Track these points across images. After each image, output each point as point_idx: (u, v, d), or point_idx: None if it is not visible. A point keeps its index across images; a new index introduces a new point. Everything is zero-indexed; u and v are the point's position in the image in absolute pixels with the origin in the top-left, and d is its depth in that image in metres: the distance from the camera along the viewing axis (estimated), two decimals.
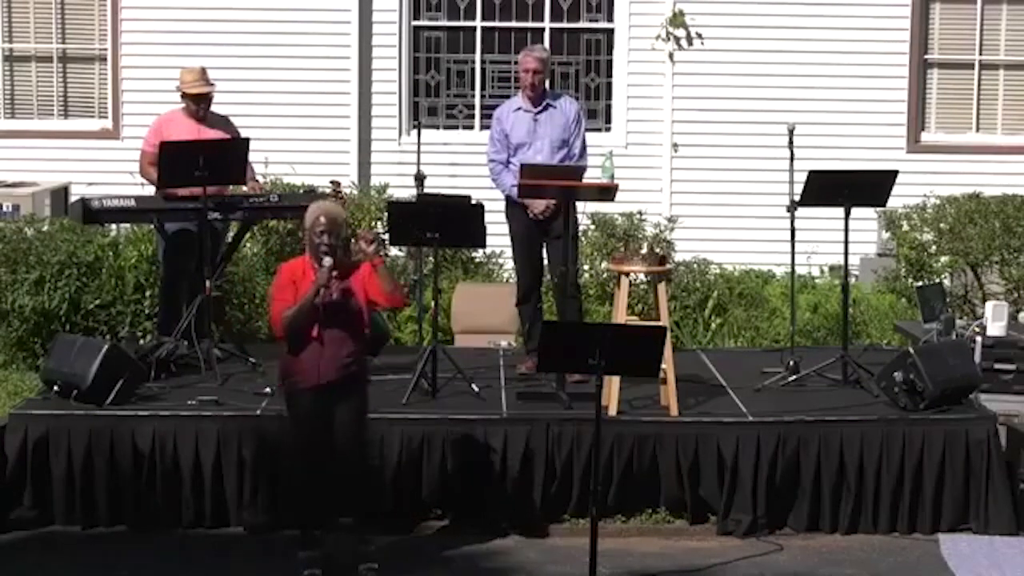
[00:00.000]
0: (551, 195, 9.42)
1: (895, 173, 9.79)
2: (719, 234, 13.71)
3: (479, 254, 12.77)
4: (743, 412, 8.95)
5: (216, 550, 8.40)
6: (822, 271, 13.54)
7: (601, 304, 11.88)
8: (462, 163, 13.14)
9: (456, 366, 9.30)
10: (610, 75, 14.41)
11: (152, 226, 10.29)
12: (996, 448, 8.80)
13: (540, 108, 9.75)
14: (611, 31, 14.37)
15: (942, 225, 12.73)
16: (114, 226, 11.41)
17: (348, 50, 14.14)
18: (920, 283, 11.99)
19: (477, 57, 14.41)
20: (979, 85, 14.50)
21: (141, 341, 9.94)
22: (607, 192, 9.22)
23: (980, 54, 14.47)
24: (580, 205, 9.51)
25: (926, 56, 14.41)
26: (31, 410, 8.82)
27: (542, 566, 8.21)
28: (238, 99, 12.40)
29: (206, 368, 9.47)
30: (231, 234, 10.44)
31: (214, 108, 10.12)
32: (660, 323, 8.58)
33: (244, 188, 10.11)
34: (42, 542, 8.47)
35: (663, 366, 8.38)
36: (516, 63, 11.70)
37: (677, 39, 14.21)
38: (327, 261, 7.58)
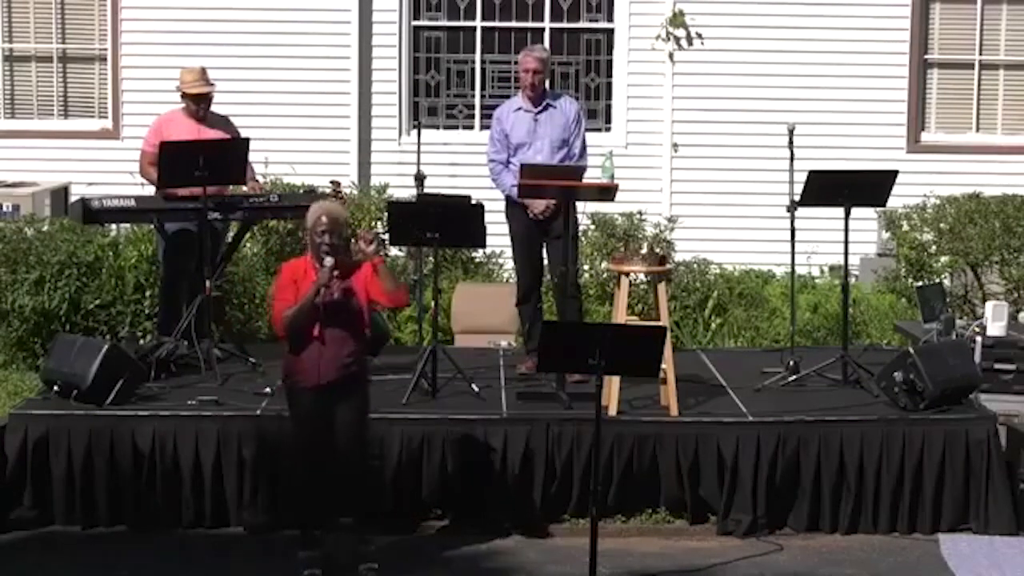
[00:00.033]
0: (551, 195, 9.42)
1: (895, 173, 9.80)
2: (719, 234, 13.71)
3: (479, 254, 12.77)
4: (743, 412, 8.95)
5: (216, 550, 8.40)
6: (822, 271, 13.54)
7: (601, 304, 11.88)
8: (462, 163, 13.14)
9: (456, 366, 9.30)
10: (610, 75, 14.41)
11: (152, 226, 10.29)
12: (996, 448, 8.80)
13: (540, 108, 9.75)
14: (611, 31, 14.37)
15: (942, 225, 12.73)
16: (114, 226, 11.41)
17: (348, 50, 14.14)
18: (920, 283, 11.99)
19: (477, 57, 14.42)
20: (979, 85, 14.50)
21: (141, 341, 9.94)
22: (607, 192, 9.22)
23: (980, 54, 14.47)
24: (580, 205, 9.51)
25: (926, 56, 14.41)
26: (31, 410, 8.82)
27: (542, 566, 8.21)
28: (238, 99, 12.40)
29: (206, 368, 9.47)
30: (231, 234, 10.44)
31: (214, 108, 10.12)
32: (660, 323, 8.58)
33: (244, 188, 10.11)
34: (42, 542, 8.47)
35: (663, 366, 8.38)
36: (516, 63, 11.70)
37: (677, 39, 14.21)
38: (328, 261, 7.59)
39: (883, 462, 8.75)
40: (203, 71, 10.04)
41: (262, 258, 12.10)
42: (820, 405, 9.05)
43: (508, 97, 11.03)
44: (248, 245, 11.90)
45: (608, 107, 14.44)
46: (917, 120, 14.39)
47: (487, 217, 9.32)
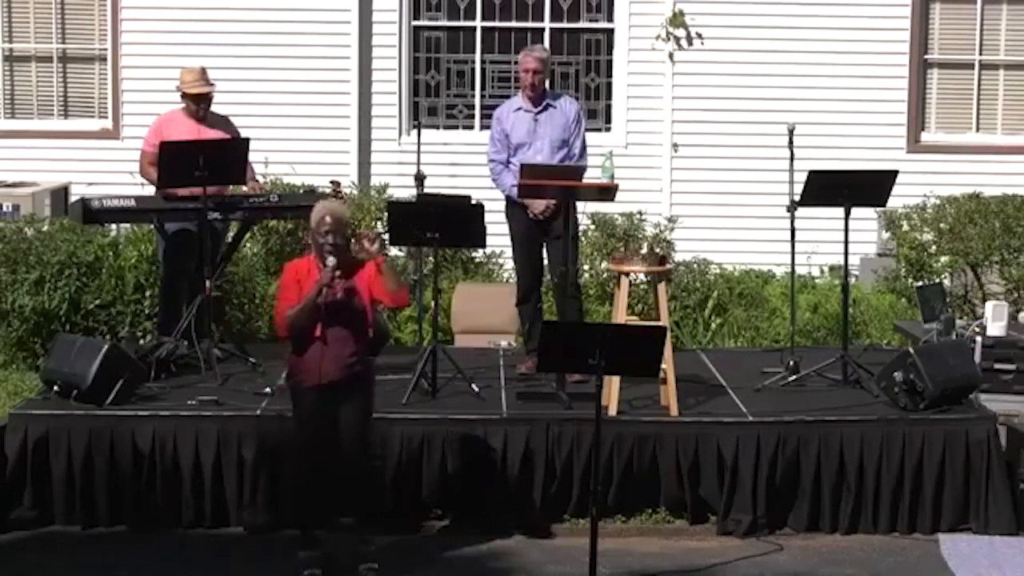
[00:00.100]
0: (551, 195, 9.42)
1: (895, 173, 9.80)
2: (719, 234, 13.71)
3: (479, 254, 12.77)
4: (743, 412, 8.95)
5: (216, 550, 8.40)
6: (822, 271, 13.54)
7: (601, 304, 11.88)
8: (462, 163, 13.14)
9: (456, 366, 9.30)
10: (610, 75, 14.41)
11: (152, 226, 10.29)
12: (996, 448, 8.80)
13: (540, 108, 9.75)
14: (611, 31, 14.37)
15: (942, 225, 12.73)
16: (114, 226, 11.41)
17: (348, 50, 14.14)
18: (920, 283, 11.99)
19: (477, 57, 14.42)
20: (979, 85, 14.50)
21: (141, 341, 9.94)
22: (607, 192, 9.22)
23: (980, 54, 14.47)
24: (580, 205, 9.51)
25: (926, 56, 14.41)
26: (31, 410, 8.82)
27: (542, 566, 8.21)
28: (238, 99, 12.40)
29: (206, 368, 9.47)
30: (231, 234, 10.44)
31: (214, 108, 10.12)
32: (660, 323, 8.58)
33: (244, 188, 10.11)
34: (42, 542, 8.47)
35: (663, 366, 8.38)
36: (516, 63, 11.70)
37: (677, 39, 14.21)
38: (331, 261, 7.60)
39: (883, 462, 8.75)
40: (203, 71, 10.04)
41: (262, 258, 12.11)
42: (820, 405, 9.05)
43: (508, 97, 11.03)
44: (248, 245, 11.90)
45: (608, 107, 14.44)
46: (917, 120, 14.39)
47: (487, 217, 9.32)
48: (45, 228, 11.62)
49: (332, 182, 10.22)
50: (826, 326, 11.98)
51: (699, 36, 14.21)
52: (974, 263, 12.55)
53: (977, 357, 9.78)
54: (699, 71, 14.18)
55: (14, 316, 11.00)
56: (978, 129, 14.54)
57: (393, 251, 11.96)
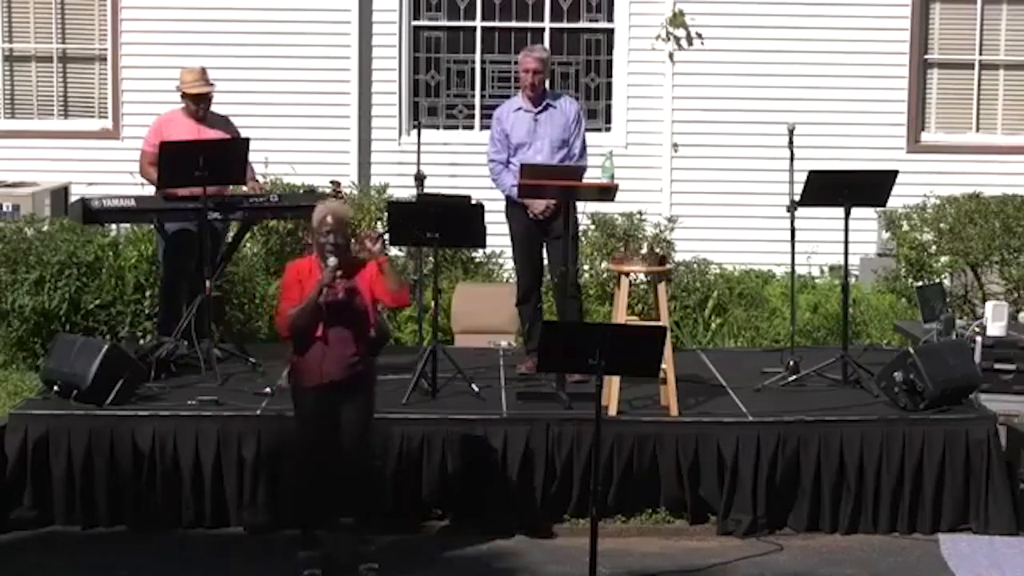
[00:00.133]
0: (551, 195, 9.42)
1: (895, 173, 9.80)
2: (719, 234, 13.71)
3: (479, 254, 12.77)
4: (743, 412, 8.95)
5: (216, 550, 8.40)
6: (822, 271, 13.54)
7: (601, 304, 11.87)
8: (462, 163, 13.14)
9: (456, 366, 9.30)
10: (610, 75, 14.41)
11: (152, 226, 10.29)
12: (996, 448, 8.80)
13: (540, 108, 9.75)
14: (611, 31, 14.37)
15: (942, 225, 12.73)
16: (114, 226, 11.41)
17: (348, 50, 14.14)
18: (920, 283, 11.99)
19: (477, 57, 14.42)
20: (979, 85, 14.50)
21: (141, 341, 9.94)
22: (607, 192, 9.22)
23: (980, 54, 14.47)
24: (580, 205, 9.51)
25: (926, 56, 14.41)
26: (31, 410, 8.81)
27: (542, 566, 8.21)
28: (238, 99, 12.40)
29: (206, 368, 9.47)
30: (231, 234, 10.44)
31: (214, 108, 10.12)
32: (660, 323, 8.58)
33: (244, 188, 10.11)
34: (42, 542, 8.47)
35: (663, 366, 8.38)
36: (516, 63, 11.70)
37: (677, 39, 14.21)
38: (332, 261, 7.61)
39: (883, 462, 8.74)
40: (203, 71, 10.04)
41: (262, 258, 12.11)
42: (820, 405, 9.05)
43: (508, 97, 11.03)
44: (248, 245, 11.90)
45: (608, 107, 14.44)
46: (917, 120, 14.39)
47: (487, 217, 9.31)
48: (45, 228, 11.62)
49: (332, 182, 10.22)
50: (826, 326, 11.98)
51: (699, 36, 14.21)
52: (974, 263, 12.55)
53: (977, 357, 9.78)
54: (699, 71, 14.18)
55: (14, 316, 11.00)
56: (978, 129, 14.54)
57: (393, 251, 11.96)
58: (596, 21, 14.42)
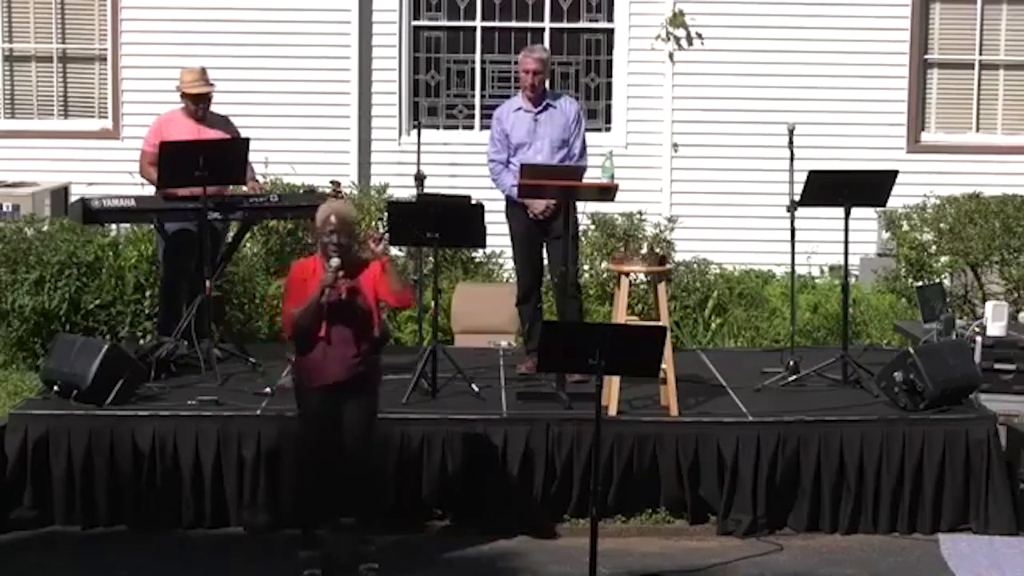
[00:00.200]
0: (551, 195, 9.42)
1: (895, 173, 9.80)
2: (719, 234, 13.71)
3: (479, 254, 12.77)
4: (743, 412, 8.95)
5: (216, 550, 8.40)
6: (822, 271, 13.54)
7: (601, 304, 11.87)
8: (462, 163, 13.14)
9: (456, 366, 9.30)
10: (610, 75, 14.41)
11: (152, 226, 10.29)
12: (996, 448, 8.80)
13: (540, 108, 9.76)
14: (611, 31, 14.37)
15: (942, 225, 12.73)
16: (114, 226, 11.41)
17: (348, 50, 14.14)
18: (920, 283, 11.99)
19: (477, 57, 14.42)
20: (979, 85, 14.50)
21: (141, 341, 9.94)
22: (607, 192, 9.22)
23: (980, 54, 14.47)
24: (580, 205, 9.51)
25: (926, 56, 14.41)
26: (31, 410, 8.81)
27: (543, 566, 8.21)
28: (238, 99, 12.40)
29: (206, 368, 9.47)
30: (231, 234, 10.44)
31: (214, 108, 10.12)
32: (660, 323, 8.58)
33: (244, 188, 10.11)
34: (42, 542, 8.47)
35: (663, 366, 8.38)
36: (516, 63, 11.70)
37: (677, 39, 14.21)
38: (334, 261, 7.62)
39: (883, 462, 8.74)
40: (203, 71, 10.04)
41: (262, 258, 12.11)
42: (820, 405, 9.05)
43: (508, 97, 11.03)
44: (248, 245, 11.90)
45: (608, 107, 14.44)
46: (917, 120, 14.39)
47: (487, 217, 9.31)
48: (45, 228, 11.62)
49: (332, 182, 10.22)
50: (826, 326, 11.98)
51: (699, 36, 14.21)
52: (974, 263, 12.55)
53: (977, 357, 9.78)
54: (699, 71, 14.18)
55: (14, 316, 11.00)
56: (978, 129, 14.54)
57: (393, 251, 11.95)
58: (596, 21, 14.42)
